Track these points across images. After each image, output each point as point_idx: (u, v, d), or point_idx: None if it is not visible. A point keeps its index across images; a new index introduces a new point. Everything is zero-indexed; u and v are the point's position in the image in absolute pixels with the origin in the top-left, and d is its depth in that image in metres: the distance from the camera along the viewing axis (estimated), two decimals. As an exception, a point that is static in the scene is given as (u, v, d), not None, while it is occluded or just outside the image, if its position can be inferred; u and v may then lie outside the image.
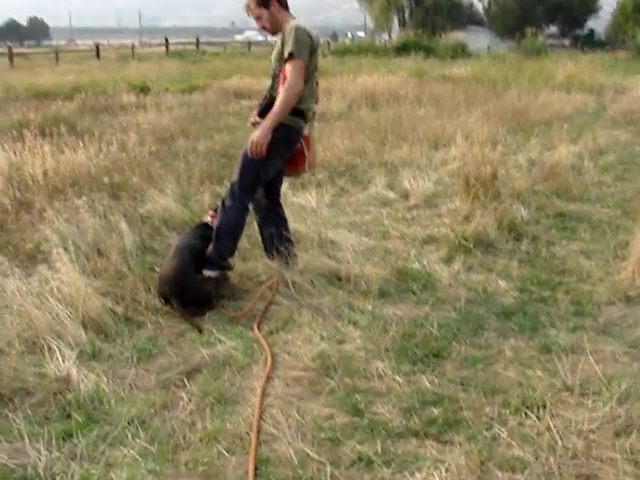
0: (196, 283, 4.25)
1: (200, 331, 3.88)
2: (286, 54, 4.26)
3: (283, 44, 4.35)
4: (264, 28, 4.54)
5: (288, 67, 4.27)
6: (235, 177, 4.44)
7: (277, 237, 4.66)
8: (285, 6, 4.50)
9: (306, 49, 4.31)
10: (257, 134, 4.22)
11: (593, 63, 23.26)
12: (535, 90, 14.93)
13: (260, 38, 54.39)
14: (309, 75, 4.42)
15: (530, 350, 3.64)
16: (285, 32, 4.35)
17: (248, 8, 4.51)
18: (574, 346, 3.66)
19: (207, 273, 4.37)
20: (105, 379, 3.27)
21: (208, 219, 4.72)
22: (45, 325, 3.65)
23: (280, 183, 4.88)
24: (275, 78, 4.50)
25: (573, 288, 4.54)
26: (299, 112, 4.42)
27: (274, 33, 4.53)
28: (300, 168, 4.79)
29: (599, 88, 16.72)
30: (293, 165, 4.71)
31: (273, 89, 4.49)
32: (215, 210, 4.72)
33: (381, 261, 4.99)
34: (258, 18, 4.48)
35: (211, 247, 4.44)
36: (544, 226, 5.91)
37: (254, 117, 4.62)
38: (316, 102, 4.76)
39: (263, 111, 4.46)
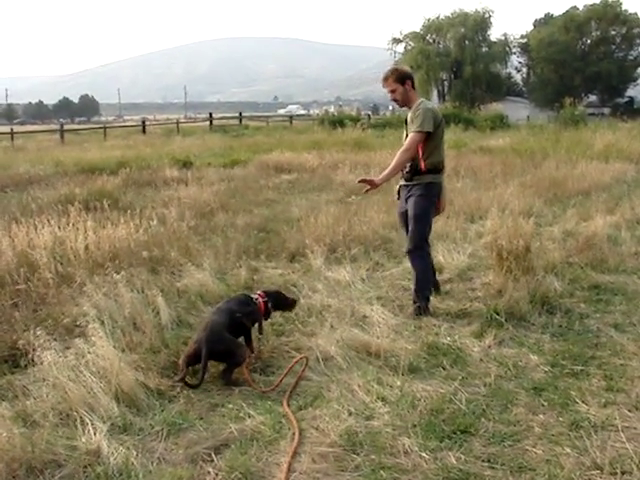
0: (229, 344, 4.34)
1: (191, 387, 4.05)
2: (413, 127, 5.39)
3: (413, 118, 5.45)
4: (395, 100, 5.63)
5: (410, 136, 5.42)
6: (414, 233, 5.57)
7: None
8: (414, 86, 5.61)
9: (431, 122, 5.38)
10: (378, 178, 5.46)
11: (632, 131, 23.22)
12: (573, 160, 14.96)
13: (302, 112, 55.40)
14: (438, 140, 5.54)
15: (559, 426, 3.61)
16: (416, 109, 5.45)
17: (386, 81, 5.56)
18: (605, 422, 3.62)
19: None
20: (134, 452, 3.33)
21: (254, 295, 4.90)
22: (79, 398, 3.74)
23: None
24: None
25: (606, 362, 4.49)
26: (436, 170, 5.58)
27: (402, 106, 5.69)
28: (440, 209, 5.96)
29: (638, 157, 16.63)
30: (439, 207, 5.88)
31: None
32: (264, 291, 5.01)
33: (412, 336, 5.02)
34: (393, 91, 5.55)
35: (416, 296, 5.55)
36: (578, 299, 5.88)
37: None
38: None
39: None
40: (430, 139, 5.45)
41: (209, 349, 4.17)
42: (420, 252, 5.60)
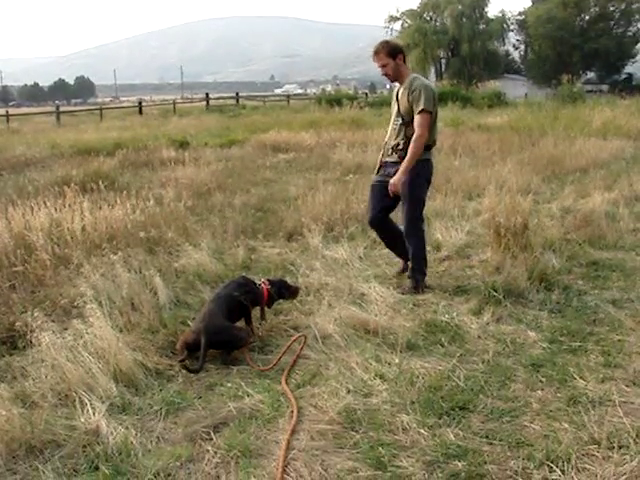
0: (228, 332, 4.35)
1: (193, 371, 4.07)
2: (419, 108, 5.30)
3: (409, 96, 5.36)
4: (386, 75, 5.51)
5: (419, 119, 5.32)
6: (409, 212, 5.52)
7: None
8: (405, 61, 5.52)
9: (431, 100, 5.34)
10: (396, 177, 5.34)
11: (631, 108, 23.13)
12: (571, 137, 14.91)
13: (299, 91, 55.15)
14: (434, 119, 5.46)
15: (557, 402, 3.62)
16: (413, 87, 5.35)
17: (377, 55, 5.45)
18: (603, 398, 3.63)
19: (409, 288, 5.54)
20: (133, 432, 3.34)
21: (258, 282, 4.92)
22: (77, 378, 3.75)
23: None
24: (408, 125, 5.44)
25: (604, 338, 4.50)
26: (429, 146, 5.51)
27: (393, 81, 5.61)
28: None
29: (636, 133, 16.59)
30: None
31: (404, 134, 5.48)
32: (268, 279, 5.00)
33: (410, 313, 5.02)
34: (384, 66, 5.44)
35: (413, 272, 5.61)
36: (576, 275, 5.89)
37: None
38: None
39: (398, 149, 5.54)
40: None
41: (208, 339, 4.18)
42: (417, 231, 5.60)
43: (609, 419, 3.36)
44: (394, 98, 5.65)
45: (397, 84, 5.62)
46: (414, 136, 5.33)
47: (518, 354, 4.29)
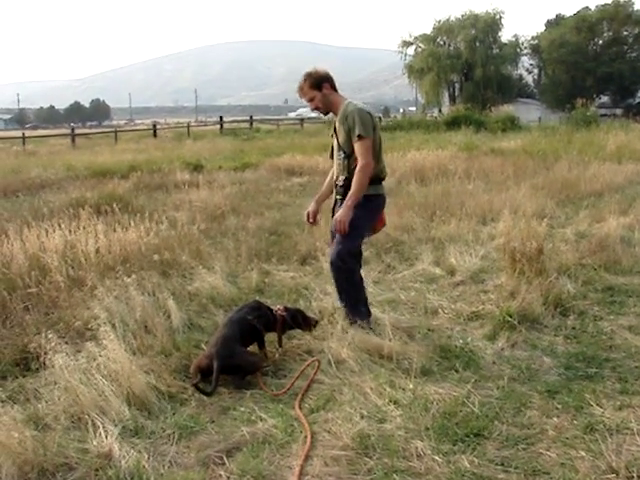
0: (241, 358, 4.34)
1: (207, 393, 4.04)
2: (355, 135, 4.75)
3: (345, 124, 4.84)
4: (317, 108, 5.01)
5: (358, 148, 4.76)
6: (341, 243, 4.85)
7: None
8: (335, 88, 4.99)
9: (369, 125, 4.77)
10: (341, 213, 4.74)
11: (645, 132, 23.10)
12: (585, 161, 14.88)
13: (313, 114, 55.38)
14: (376, 145, 4.90)
15: (574, 429, 3.57)
16: (345, 114, 4.83)
17: (301, 90, 4.96)
18: (620, 425, 3.57)
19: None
20: (146, 456, 3.32)
21: (274, 307, 4.91)
22: (90, 401, 3.74)
23: None
24: (350, 157, 4.91)
25: (620, 365, 4.44)
26: (378, 179, 4.96)
27: (326, 113, 5.08)
28: (379, 227, 5.26)
29: (652, 157, 16.51)
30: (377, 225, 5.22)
31: (348, 169, 4.93)
32: (285, 307, 4.97)
33: (424, 338, 4.98)
34: (311, 100, 4.95)
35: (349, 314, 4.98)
36: (591, 301, 5.83)
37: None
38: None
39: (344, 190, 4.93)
40: None
41: (220, 365, 4.16)
42: (344, 266, 4.92)
43: (627, 448, 3.31)
44: (333, 131, 5.14)
45: (333, 115, 5.08)
46: (358, 166, 4.76)
47: (533, 380, 4.24)
